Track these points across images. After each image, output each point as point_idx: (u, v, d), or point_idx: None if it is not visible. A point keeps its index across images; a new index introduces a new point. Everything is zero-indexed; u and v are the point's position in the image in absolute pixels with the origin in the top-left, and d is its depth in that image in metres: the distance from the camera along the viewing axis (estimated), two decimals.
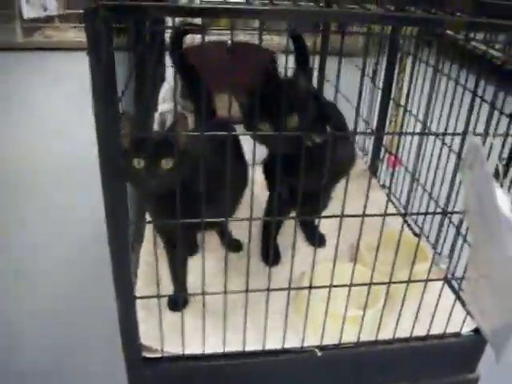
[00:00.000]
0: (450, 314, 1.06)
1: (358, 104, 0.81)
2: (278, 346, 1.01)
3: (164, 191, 0.91)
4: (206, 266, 0.89)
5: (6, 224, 1.81)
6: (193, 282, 0.94)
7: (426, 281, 1.01)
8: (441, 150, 1.16)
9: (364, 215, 0.89)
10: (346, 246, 1.30)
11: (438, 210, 1.16)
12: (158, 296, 0.91)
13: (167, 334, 0.96)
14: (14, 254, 1.65)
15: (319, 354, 1.03)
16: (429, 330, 1.06)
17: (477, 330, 1.09)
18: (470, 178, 0.83)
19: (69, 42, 3.67)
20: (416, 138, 0.94)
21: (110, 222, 0.80)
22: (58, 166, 2.18)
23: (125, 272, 0.87)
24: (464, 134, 0.89)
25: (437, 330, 1.07)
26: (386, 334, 1.05)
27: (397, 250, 0.95)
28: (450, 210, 1.00)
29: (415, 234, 1.38)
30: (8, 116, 2.61)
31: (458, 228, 1.03)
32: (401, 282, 0.99)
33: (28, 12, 3.55)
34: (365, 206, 0.88)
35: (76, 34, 3.73)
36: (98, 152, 0.75)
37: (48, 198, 1.97)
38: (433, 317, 1.04)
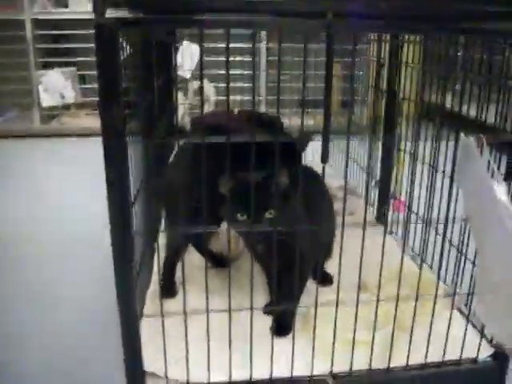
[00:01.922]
0: (464, 340, 1.02)
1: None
2: (287, 373, 0.97)
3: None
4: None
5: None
6: (198, 301, 0.93)
7: (435, 302, 0.99)
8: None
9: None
10: (353, 287, 1.27)
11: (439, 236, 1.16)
12: (162, 315, 0.90)
13: (171, 361, 0.94)
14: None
15: (331, 383, 0.99)
16: (443, 357, 1.02)
17: (495, 356, 1.05)
18: (465, 180, 0.84)
19: (84, 128, 3.82)
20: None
21: (114, 232, 0.82)
22: (62, 252, 2.12)
23: (128, 294, 0.88)
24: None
25: (452, 356, 1.03)
26: (399, 361, 1.01)
27: (399, 279, 0.95)
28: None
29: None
30: (17, 199, 2.64)
31: (460, 250, 1.03)
32: (408, 302, 0.97)
33: (46, 100, 3.76)
34: (363, 241, 0.90)
35: (91, 121, 3.89)
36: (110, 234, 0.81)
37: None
38: (445, 343, 1.01)
